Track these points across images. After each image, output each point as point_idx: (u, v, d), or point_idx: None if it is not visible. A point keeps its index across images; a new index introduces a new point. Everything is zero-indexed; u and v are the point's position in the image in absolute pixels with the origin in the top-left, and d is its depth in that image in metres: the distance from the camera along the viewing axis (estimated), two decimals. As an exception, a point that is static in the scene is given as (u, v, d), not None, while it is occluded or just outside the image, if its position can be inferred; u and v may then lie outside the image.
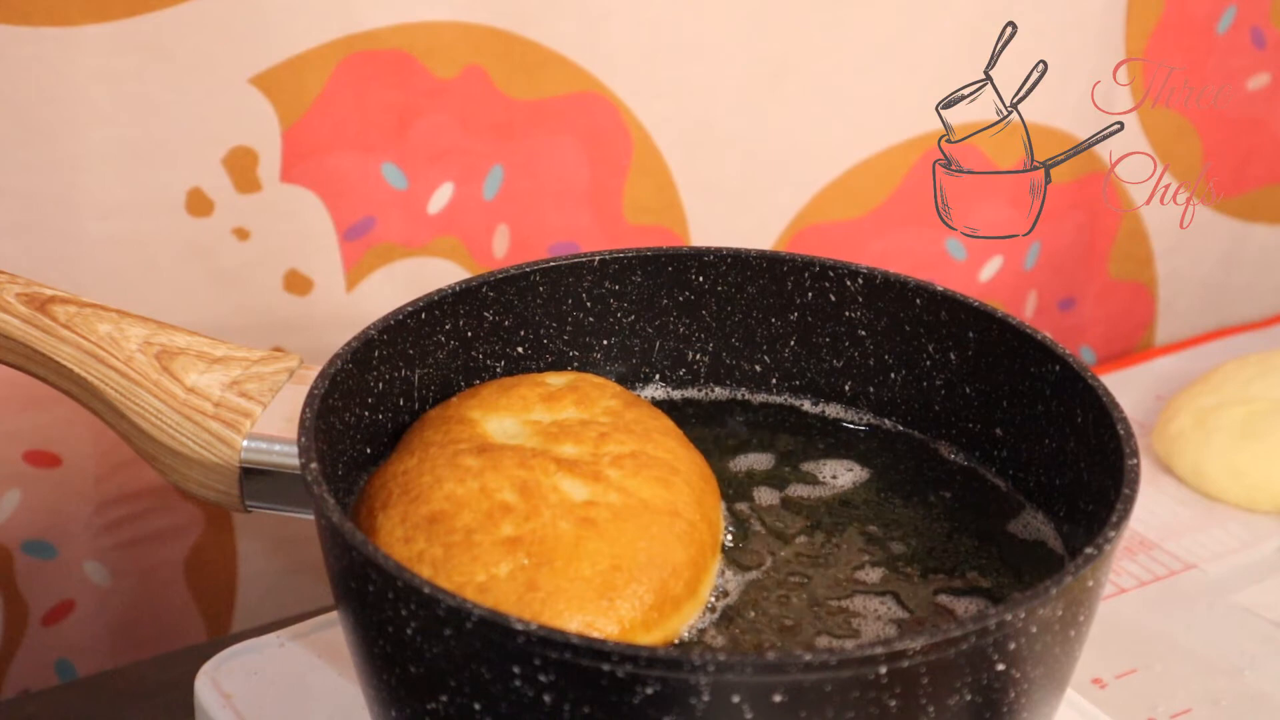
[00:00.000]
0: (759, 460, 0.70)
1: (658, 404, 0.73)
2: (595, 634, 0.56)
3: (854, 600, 0.62)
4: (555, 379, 0.68)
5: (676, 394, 0.74)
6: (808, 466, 0.70)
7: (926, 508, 0.67)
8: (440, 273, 0.90)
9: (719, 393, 0.74)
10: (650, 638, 0.58)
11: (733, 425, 0.72)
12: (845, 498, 0.68)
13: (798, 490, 0.68)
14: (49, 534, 0.87)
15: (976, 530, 0.66)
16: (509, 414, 0.66)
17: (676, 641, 0.59)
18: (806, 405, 0.73)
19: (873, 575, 0.63)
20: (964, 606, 0.62)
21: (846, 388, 0.72)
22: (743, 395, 0.74)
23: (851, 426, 0.72)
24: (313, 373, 0.64)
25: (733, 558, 0.64)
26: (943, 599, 0.62)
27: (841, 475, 0.69)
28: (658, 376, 0.74)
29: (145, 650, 0.90)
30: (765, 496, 0.68)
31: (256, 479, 0.64)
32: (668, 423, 0.67)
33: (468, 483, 0.61)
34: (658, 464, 0.63)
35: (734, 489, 0.68)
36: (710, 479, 0.65)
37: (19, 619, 0.88)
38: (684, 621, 0.60)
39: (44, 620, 0.89)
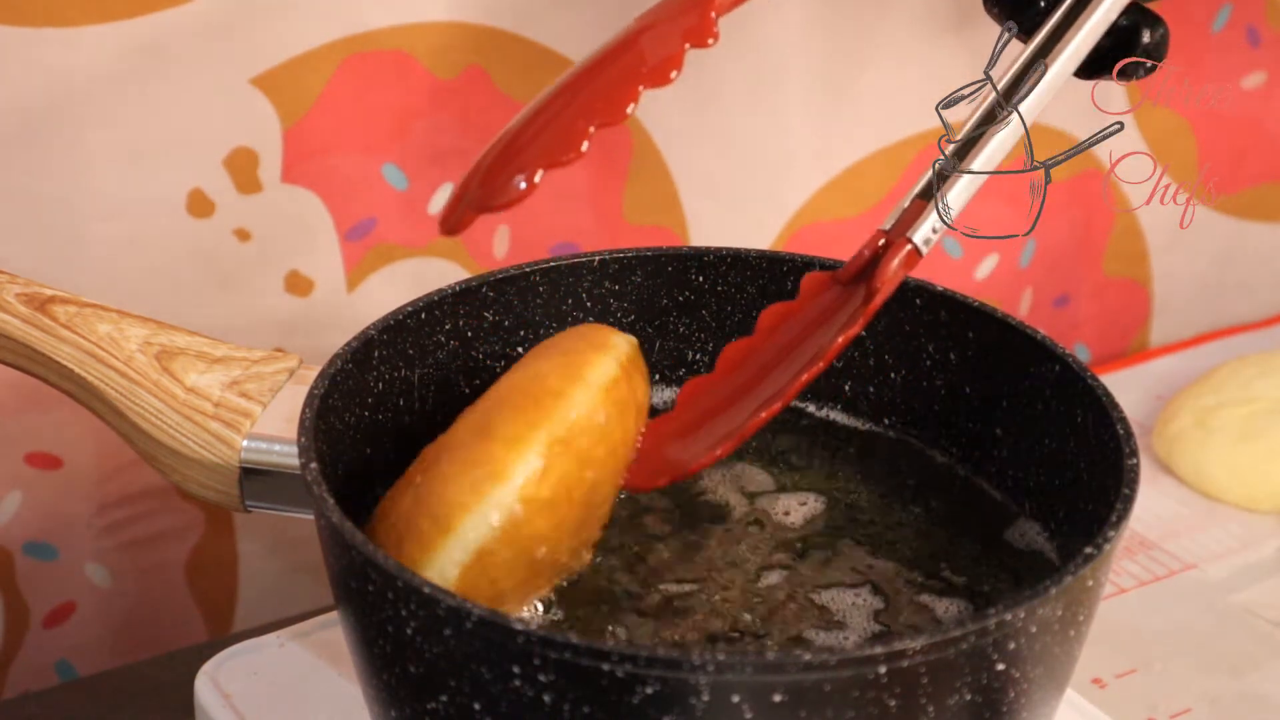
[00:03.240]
0: (757, 461, 0.70)
1: (658, 405, 0.73)
2: (497, 469, 0.57)
3: (851, 602, 0.62)
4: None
5: (677, 394, 0.74)
6: (806, 467, 0.70)
7: (925, 511, 0.67)
8: (441, 273, 0.90)
9: (719, 393, 0.74)
10: (536, 435, 0.57)
11: (733, 425, 0.72)
12: (843, 500, 0.68)
13: (796, 491, 0.68)
14: (50, 535, 0.87)
15: (975, 535, 0.66)
16: None
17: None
18: (806, 406, 0.73)
19: (869, 578, 0.63)
20: (961, 610, 0.62)
21: (846, 388, 0.72)
22: (743, 395, 0.74)
23: (851, 428, 0.72)
24: (313, 373, 0.64)
25: (730, 558, 0.64)
26: (941, 603, 0.62)
27: (840, 477, 0.69)
28: (658, 377, 0.74)
29: (146, 652, 0.90)
30: (762, 498, 0.68)
31: (256, 479, 0.64)
32: None
33: (454, 435, 0.61)
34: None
35: (733, 490, 0.68)
36: None
37: (20, 621, 0.88)
38: (560, 407, 0.59)
39: (45, 622, 0.89)
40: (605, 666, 0.50)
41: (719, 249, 0.72)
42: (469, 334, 0.69)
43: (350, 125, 0.85)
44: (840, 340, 0.60)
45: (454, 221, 0.54)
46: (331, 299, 0.88)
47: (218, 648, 0.71)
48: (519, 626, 0.50)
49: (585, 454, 0.58)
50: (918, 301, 0.70)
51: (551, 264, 0.70)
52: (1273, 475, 0.92)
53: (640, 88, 0.54)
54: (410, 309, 0.67)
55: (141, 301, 0.80)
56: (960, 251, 1.04)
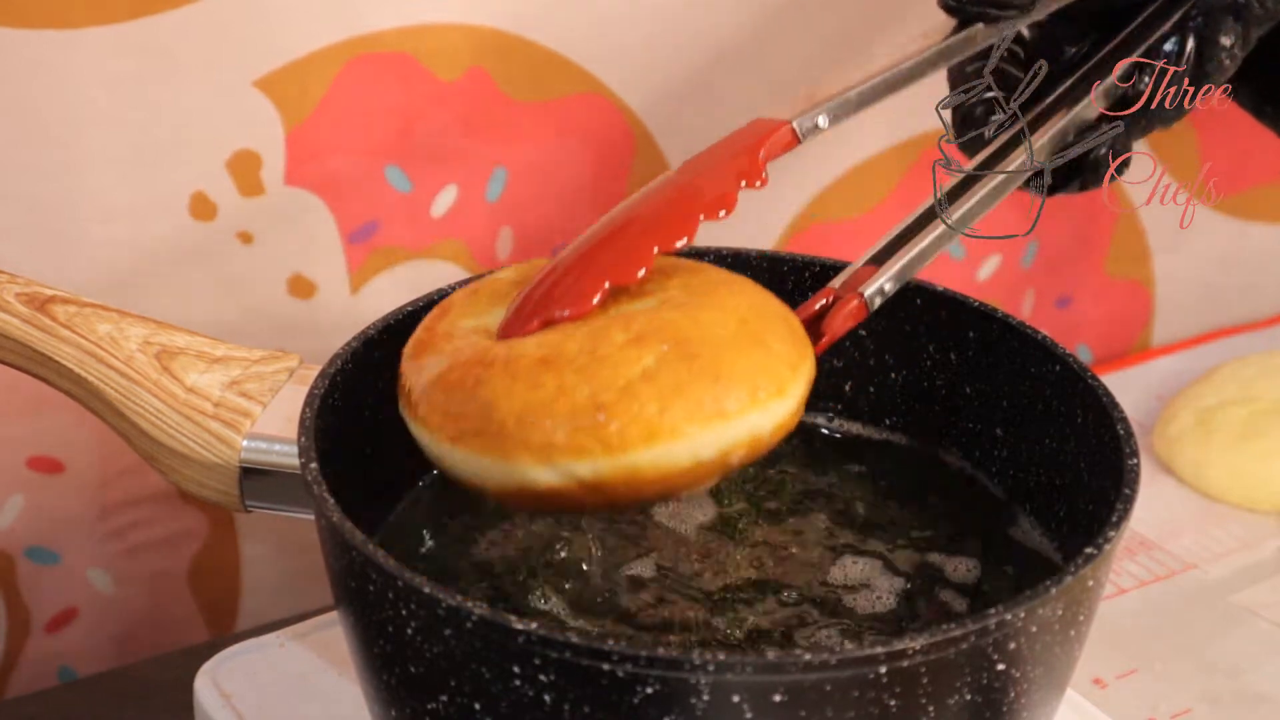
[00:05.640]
0: (757, 462, 0.70)
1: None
2: (782, 382, 0.55)
3: (851, 603, 0.62)
4: (506, 273, 0.63)
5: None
6: (806, 469, 0.70)
7: (925, 511, 0.67)
8: (444, 275, 0.90)
9: (719, 393, 0.74)
10: (806, 366, 0.56)
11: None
12: (843, 501, 0.68)
13: (795, 493, 0.68)
14: (52, 540, 0.87)
15: (976, 534, 0.66)
16: (500, 307, 0.60)
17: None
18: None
19: (867, 578, 0.63)
20: (961, 608, 0.62)
21: (846, 388, 0.72)
22: (743, 396, 0.74)
23: (851, 427, 0.72)
24: (313, 372, 0.64)
25: (734, 559, 0.64)
26: (940, 600, 0.62)
27: (840, 478, 0.69)
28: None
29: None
30: (763, 499, 0.68)
31: (256, 479, 0.64)
32: None
33: (544, 335, 0.55)
34: (680, 268, 0.60)
35: (730, 491, 0.68)
36: None
37: (22, 626, 0.88)
38: (810, 350, 0.57)
39: (47, 627, 0.89)
40: (605, 666, 0.50)
41: (719, 249, 0.72)
42: (470, 335, 0.69)
43: (353, 127, 0.85)
44: None
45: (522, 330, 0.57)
46: (335, 302, 0.88)
47: (218, 648, 0.71)
48: (519, 626, 0.50)
49: None
50: (918, 301, 0.70)
51: (552, 265, 0.70)
52: (1273, 475, 0.92)
53: (701, 216, 0.59)
54: (411, 309, 0.67)
55: (143, 304, 0.80)
56: (963, 252, 1.04)
